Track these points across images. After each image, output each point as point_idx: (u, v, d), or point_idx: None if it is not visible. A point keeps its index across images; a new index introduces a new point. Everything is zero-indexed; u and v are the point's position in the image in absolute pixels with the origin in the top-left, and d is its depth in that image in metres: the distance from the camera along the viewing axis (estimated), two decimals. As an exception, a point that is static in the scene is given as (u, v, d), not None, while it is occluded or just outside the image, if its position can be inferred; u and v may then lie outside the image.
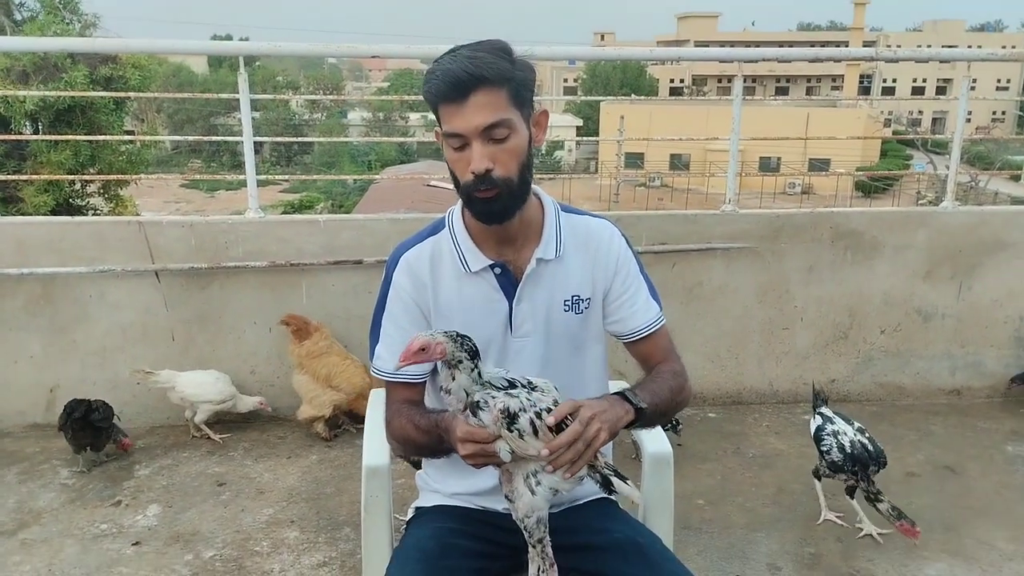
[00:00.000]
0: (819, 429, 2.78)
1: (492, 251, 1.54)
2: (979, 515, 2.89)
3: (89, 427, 3.09)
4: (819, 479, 2.80)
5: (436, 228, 1.59)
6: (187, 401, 3.36)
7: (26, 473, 3.13)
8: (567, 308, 1.56)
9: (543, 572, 1.40)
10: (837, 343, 3.85)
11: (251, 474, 3.16)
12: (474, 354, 1.32)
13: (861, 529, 2.73)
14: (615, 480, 1.38)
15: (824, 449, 2.71)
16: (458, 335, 1.31)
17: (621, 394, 1.43)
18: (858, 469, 2.63)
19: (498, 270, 1.54)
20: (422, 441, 1.46)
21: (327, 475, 3.16)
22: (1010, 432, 3.59)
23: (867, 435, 2.71)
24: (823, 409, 2.87)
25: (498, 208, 1.44)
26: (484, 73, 1.37)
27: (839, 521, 2.78)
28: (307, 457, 3.30)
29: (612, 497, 1.68)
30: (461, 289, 1.54)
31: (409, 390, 1.57)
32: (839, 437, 2.70)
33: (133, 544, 2.67)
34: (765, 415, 3.72)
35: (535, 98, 1.48)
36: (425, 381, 1.59)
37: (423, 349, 1.28)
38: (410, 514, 1.71)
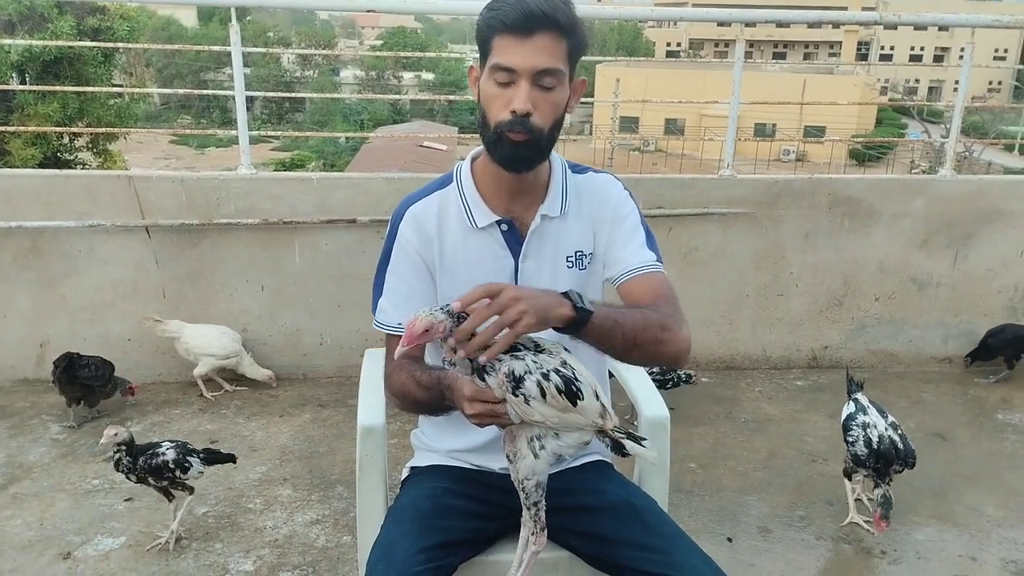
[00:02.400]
0: (849, 418, 2.60)
1: (500, 207, 1.51)
2: (968, 482, 2.91)
3: (76, 382, 3.08)
4: (849, 479, 2.64)
5: (444, 182, 1.56)
6: (191, 353, 3.35)
7: (16, 428, 3.12)
8: (570, 265, 1.54)
9: (534, 535, 1.39)
10: (831, 310, 3.85)
11: (243, 432, 3.15)
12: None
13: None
14: (628, 443, 1.34)
15: (850, 440, 2.54)
16: (455, 313, 1.25)
17: (566, 293, 1.30)
18: (881, 466, 2.47)
19: (504, 227, 1.51)
20: (422, 397, 1.44)
21: (320, 434, 3.15)
22: (1000, 400, 3.61)
23: (900, 431, 2.53)
24: (859, 396, 2.67)
25: (524, 155, 1.41)
26: (558, 17, 1.35)
27: (866, 525, 2.60)
28: (300, 416, 3.29)
29: (607, 459, 1.69)
30: (467, 244, 1.51)
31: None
32: (868, 430, 2.51)
33: (125, 500, 2.66)
34: (758, 380, 3.73)
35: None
36: None
37: (427, 331, 1.23)
38: (405, 473, 1.70)
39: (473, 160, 1.54)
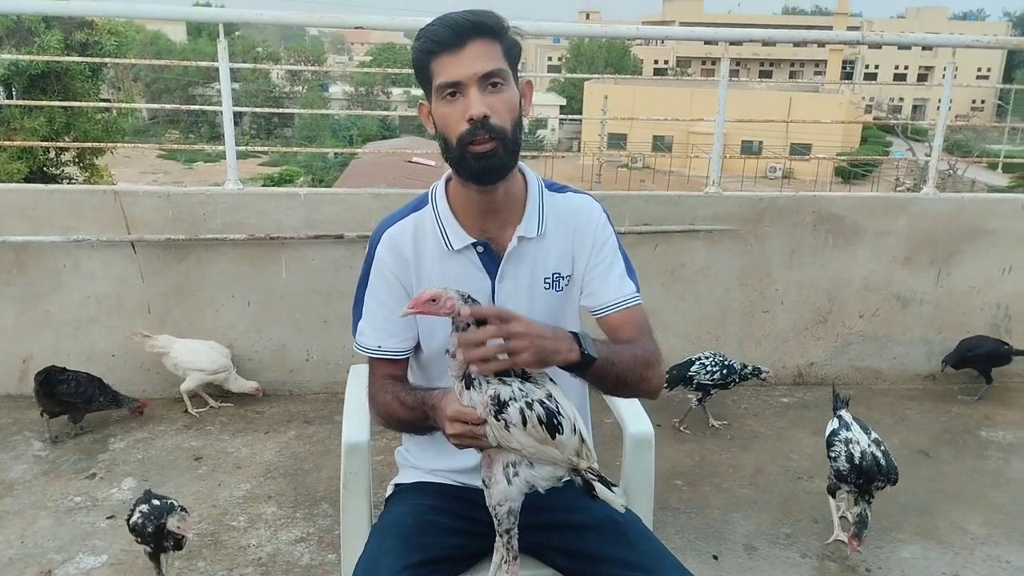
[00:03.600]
0: (832, 433, 2.61)
1: (475, 229, 1.51)
2: (952, 499, 2.92)
3: (54, 397, 3.05)
4: (834, 496, 2.63)
5: (419, 204, 1.56)
6: (179, 368, 3.33)
7: (-2, 444, 3.09)
8: (547, 286, 1.54)
9: (506, 563, 1.38)
10: (816, 327, 3.87)
11: (228, 449, 3.13)
12: (481, 322, 1.28)
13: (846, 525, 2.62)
14: (598, 486, 1.35)
15: (833, 455, 2.55)
16: (468, 296, 1.29)
17: (576, 334, 1.35)
18: (863, 482, 2.46)
19: (481, 248, 1.51)
20: (407, 417, 1.45)
21: (305, 451, 3.14)
22: (983, 418, 3.63)
23: (882, 448, 2.52)
24: (843, 412, 2.68)
25: (495, 163, 1.40)
26: (484, 21, 1.37)
27: None
28: (285, 433, 3.28)
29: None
30: (444, 266, 1.51)
31: (392, 366, 1.55)
32: (850, 446, 2.51)
33: (108, 517, 2.64)
34: (744, 397, 3.74)
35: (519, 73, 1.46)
36: (408, 358, 1.57)
37: (433, 300, 1.26)
38: (389, 491, 1.70)
39: (447, 181, 1.54)
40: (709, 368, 3.29)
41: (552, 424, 1.28)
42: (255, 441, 3.20)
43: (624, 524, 1.52)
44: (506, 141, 1.39)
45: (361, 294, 1.56)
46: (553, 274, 1.55)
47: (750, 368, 3.39)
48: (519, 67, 1.45)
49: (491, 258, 1.52)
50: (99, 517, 2.64)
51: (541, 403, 1.28)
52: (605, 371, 1.37)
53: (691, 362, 3.33)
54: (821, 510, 2.79)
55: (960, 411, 3.69)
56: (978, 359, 3.76)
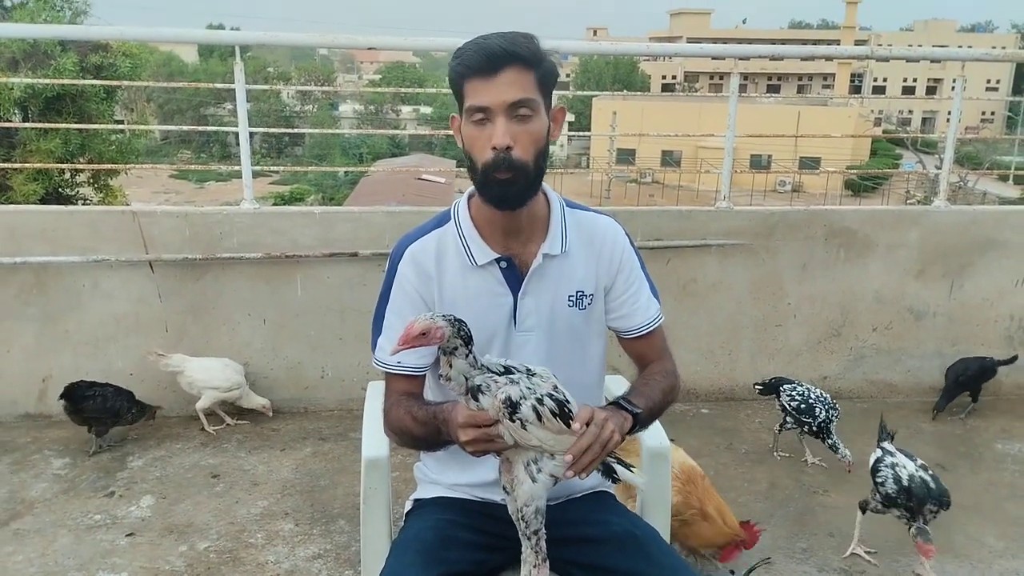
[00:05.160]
0: (877, 461, 2.58)
1: (498, 245, 1.54)
2: (969, 512, 2.91)
3: (80, 413, 3.11)
4: (863, 512, 2.61)
5: (441, 220, 1.59)
6: (194, 386, 3.36)
7: (18, 463, 3.12)
8: (571, 304, 1.57)
9: (536, 567, 1.39)
10: (829, 340, 3.87)
11: (245, 466, 3.16)
12: (469, 339, 1.32)
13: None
14: (618, 468, 1.39)
15: (879, 481, 2.51)
16: (455, 319, 1.31)
17: (617, 403, 1.45)
18: (914, 504, 2.41)
19: (504, 264, 1.54)
20: (419, 433, 1.47)
21: (321, 468, 3.16)
22: (999, 430, 3.62)
23: (930, 472, 2.49)
24: (885, 444, 2.64)
25: (514, 192, 1.44)
26: (518, 50, 1.40)
27: (867, 557, 2.62)
28: (301, 450, 3.30)
29: (609, 490, 1.70)
30: (466, 282, 1.54)
31: (409, 382, 1.57)
32: (897, 469, 2.49)
33: (127, 535, 2.66)
34: (758, 411, 3.74)
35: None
36: (425, 374, 1.58)
37: (424, 334, 1.28)
38: (408, 506, 1.72)
39: (470, 197, 1.57)
40: (791, 394, 3.21)
41: (565, 413, 1.30)
42: (271, 458, 3.22)
43: (642, 537, 1.54)
44: (527, 173, 1.43)
45: (382, 310, 1.58)
46: (577, 292, 1.58)
47: (833, 442, 3.11)
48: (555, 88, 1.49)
49: (514, 274, 1.54)
50: (119, 535, 2.66)
51: (550, 396, 1.30)
52: (645, 420, 1.51)
53: (786, 381, 3.31)
54: (837, 524, 2.79)
55: (975, 424, 3.68)
56: (971, 380, 3.72)
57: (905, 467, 2.50)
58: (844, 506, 2.90)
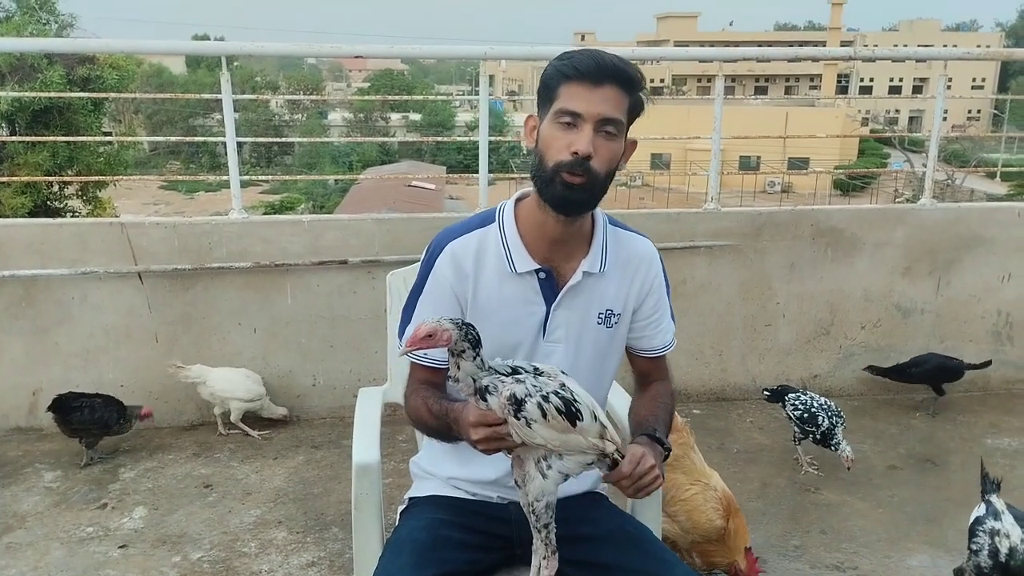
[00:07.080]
0: (977, 522, 2.16)
1: (540, 255, 1.54)
2: (960, 507, 2.92)
3: (69, 424, 3.11)
4: None
5: (485, 221, 1.58)
6: (216, 397, 3.37)
7: (9, 477, 3.11)
8: (599, 321, 1.59)
9: (546, 559, 1.40)
10: (819, 339, 3.90)
11: (237, 475, 3.15)
12: (476, 343, 1.32)
13: None
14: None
15: (974, 548, 2.12)
16: (463, 323, 1.31)
17: (653, 437, 1.51)
18: None
19: (543, 275, 1.54)
20: (433, 424, 1.49)
21: (314, 475, 3.16)
22: (988, 425, 3.65)
23: None
24: (993, 498, 2.19)
25: (578, 198, 1.45)
26: (628, 72, 1.43)
27: None
28: (293, 458, 3.30)
29: (601, 491, 1.71)
30: (502, 287, 1.54)
31: (431, 373, 1.57)
32: (996, 539, 2.07)
33: (120, 547, 2.65)
34: (749, 411, 3.76)
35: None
36: (447, 368, 1.60)
37: (430, 336, 1.28)
38: (403, 504, 1.72)
39: (517, 202, 1.58)
40: (794, 403, 3.20)
41: (571, 412, 1.30)
42: (264, 467, 3.22)
43: (635, 534, 1.57)
44: (596, 184, 1.45)
45: (413, 300, 1.58)
46: (607, 310, 1.59)
47: (836, 442, 3.08)
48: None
49: (551, 286, 1.55)
50: (111, 547, 2.66)
51: (556, 394, 1.31)
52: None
53: (791, 389, 3.31)
54: (829, 521, 2.80)
55: (966, 419, 3.71)
56: (927, 374, 3.72)
57: (1008, 536, 2.06)
58: (836, 503, 2.93)
